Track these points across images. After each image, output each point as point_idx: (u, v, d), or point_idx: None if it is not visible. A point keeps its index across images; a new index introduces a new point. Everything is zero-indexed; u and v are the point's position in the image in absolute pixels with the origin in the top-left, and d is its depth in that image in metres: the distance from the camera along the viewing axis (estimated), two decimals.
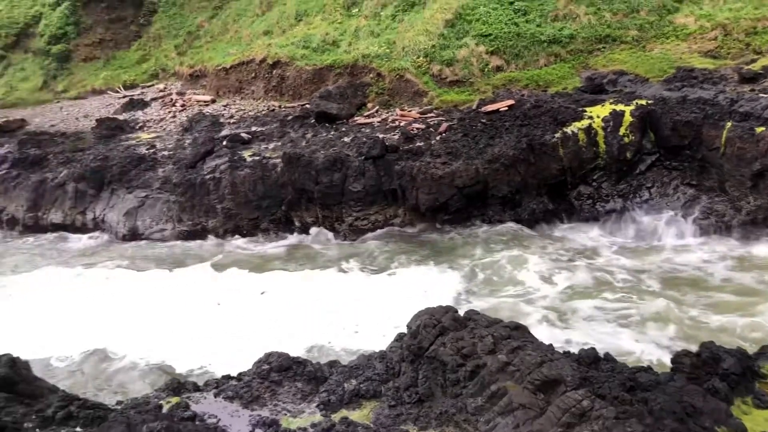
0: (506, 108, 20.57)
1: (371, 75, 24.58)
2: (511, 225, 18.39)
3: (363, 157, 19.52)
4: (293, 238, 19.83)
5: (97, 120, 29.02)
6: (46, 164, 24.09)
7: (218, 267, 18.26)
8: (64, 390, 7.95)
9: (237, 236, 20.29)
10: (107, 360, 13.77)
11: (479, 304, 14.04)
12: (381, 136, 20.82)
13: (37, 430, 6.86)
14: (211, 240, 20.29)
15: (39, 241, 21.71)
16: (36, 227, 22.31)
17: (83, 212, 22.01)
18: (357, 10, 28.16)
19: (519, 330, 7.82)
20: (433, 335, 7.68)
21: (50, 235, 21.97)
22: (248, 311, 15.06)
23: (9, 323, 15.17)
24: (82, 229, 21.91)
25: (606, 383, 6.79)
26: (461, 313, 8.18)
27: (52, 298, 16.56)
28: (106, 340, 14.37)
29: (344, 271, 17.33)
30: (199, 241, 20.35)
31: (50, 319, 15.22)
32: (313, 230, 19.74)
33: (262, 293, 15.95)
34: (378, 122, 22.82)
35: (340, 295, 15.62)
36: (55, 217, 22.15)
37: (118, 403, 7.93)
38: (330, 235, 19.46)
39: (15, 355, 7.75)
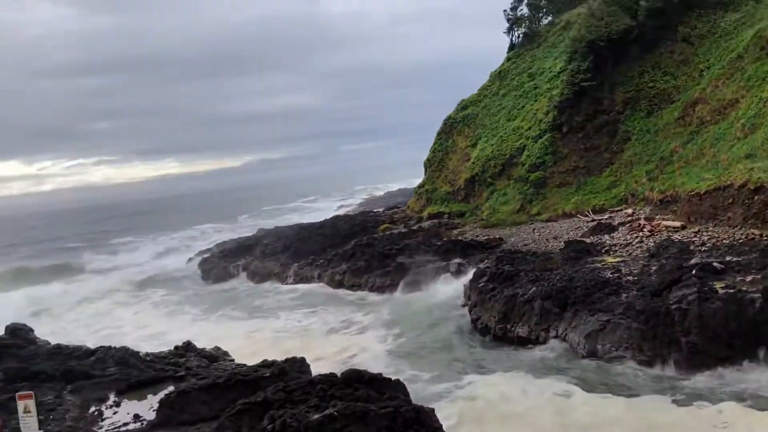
0: None
1: None
2: None
3: None
4: None
5: (565, 242, 30.79)
6: (518, 280, 26.21)
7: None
8: None
9: (701, 372, 18.63)
10: None
11: None
12: None
13: None
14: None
15: (505, 350, 23.28)
16: (504, 338, 24.15)
17: (546, 329, 23.03)
18: None
19: None
20: None
21: (514, 348, 23.38)
22: None
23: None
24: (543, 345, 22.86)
25: None
26: None
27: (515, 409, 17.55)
28: None
29: None
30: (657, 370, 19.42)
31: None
32: None
33: None
34: None
35: None
36: (521, 330, 23.67)
37: None
38: None
39: None
